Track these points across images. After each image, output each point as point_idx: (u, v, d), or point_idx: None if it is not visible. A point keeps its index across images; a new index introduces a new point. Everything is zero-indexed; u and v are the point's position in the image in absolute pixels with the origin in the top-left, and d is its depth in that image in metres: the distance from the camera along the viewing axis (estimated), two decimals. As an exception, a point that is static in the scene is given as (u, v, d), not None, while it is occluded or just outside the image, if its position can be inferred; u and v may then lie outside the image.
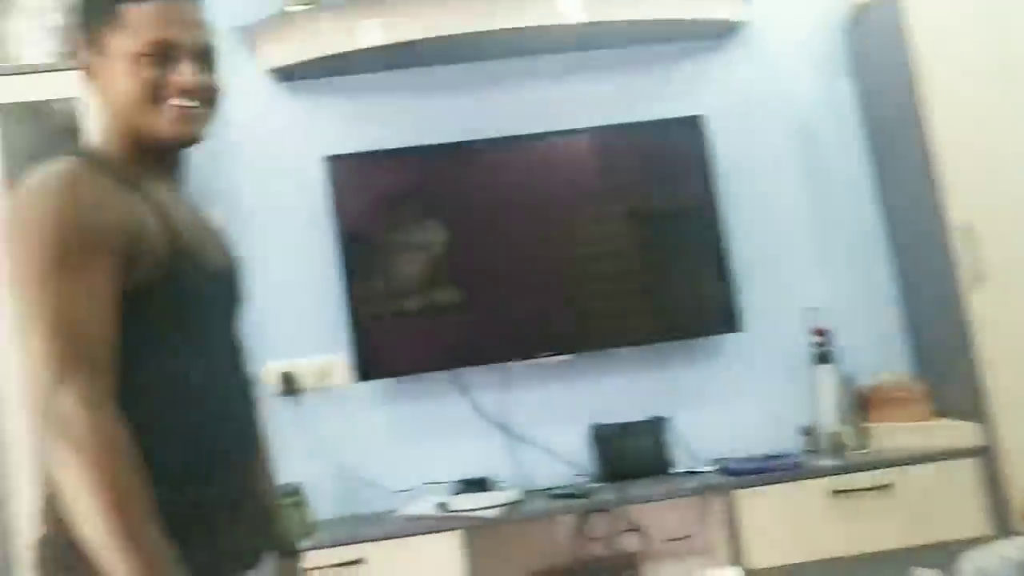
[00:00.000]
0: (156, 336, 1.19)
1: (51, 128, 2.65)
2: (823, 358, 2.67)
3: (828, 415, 2.63)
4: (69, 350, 1.07)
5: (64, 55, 2.61)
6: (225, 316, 1.36)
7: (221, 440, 1.27)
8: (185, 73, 1.25)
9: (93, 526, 1.04)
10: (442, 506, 2.45)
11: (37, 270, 1.10)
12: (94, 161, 1.22)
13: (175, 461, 1.17)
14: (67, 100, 2.45)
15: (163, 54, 1.24)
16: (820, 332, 2.69)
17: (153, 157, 1.30)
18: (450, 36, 2.66)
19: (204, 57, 1.30)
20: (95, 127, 1.30)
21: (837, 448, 2.58)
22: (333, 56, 2.69)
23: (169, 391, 1.20)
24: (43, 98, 2.53)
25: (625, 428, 2.72)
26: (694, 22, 2.80)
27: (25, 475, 2.35)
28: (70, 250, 1.10)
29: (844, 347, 2.71)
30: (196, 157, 2.64)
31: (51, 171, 1.16)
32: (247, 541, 1.30)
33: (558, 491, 2.58)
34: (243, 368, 1.37)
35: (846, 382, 2.68)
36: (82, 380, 1.06)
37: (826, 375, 2.66)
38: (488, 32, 2.68)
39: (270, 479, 1.47)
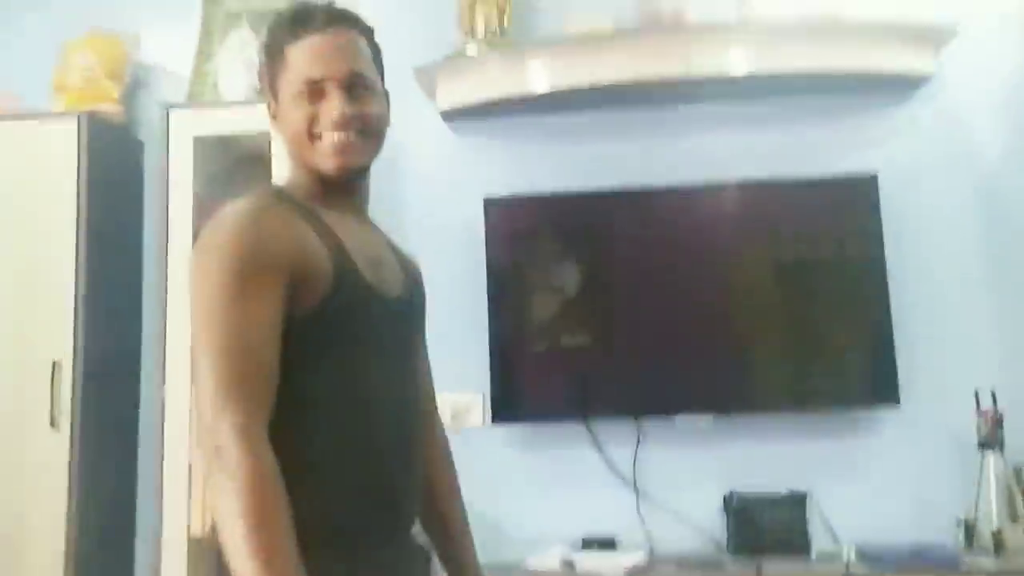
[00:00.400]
0: (321, 361, 1.23)
1: (240, 158, 2.85)
2: (990, 444, 2.46)
3: (991, 508, 2.42)
4: (233, 380, 1.12)
5: (257, 90, 2.80)
6: (398, 344, 1.38)
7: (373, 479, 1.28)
8: (333, 106, 1.30)
9: (235, 550, 1.07)
10: (568, 564, 2.42)
11: (211, 299, 1.16)
12: (277, 194, 1.31)
13: (334, 498, 1.22)
14: (260, 133, 2.56)
15: (316, 91, 1.30)
16: (989, 415, 2.47)
17: (332, 189, 1.35)
18: (615, 83, 2.64)
19: (356, 87, 1.33)
20: (283, 159, 1.41)
21: (999, 546, 2.36)
22: (500, 99, 2.72)
23: (328, 418, 1.24)
24: (238, 131, 2.72)
25: (763, 499, 2.59)
26: (879, 75, 2.66)
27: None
28: (240, 280, 1.15)
29: (1016, 434, 2.48)
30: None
31: (235, 205, 1.24)
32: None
33: (687, 559, 2.50)
34: (413, 398, 1.39)
35: (1015, 473, 2.45)
36: (240, 411, 1.10)
37: (992, 463, 2.45)
38: (654, 80, 2.64)
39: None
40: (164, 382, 2.52)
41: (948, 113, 2.80)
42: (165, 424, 2.53)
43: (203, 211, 2.73)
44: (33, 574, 2.51)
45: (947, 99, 2.80)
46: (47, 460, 2.56)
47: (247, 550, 1.06)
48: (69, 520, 2.52)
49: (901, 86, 2.76)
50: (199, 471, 2.53)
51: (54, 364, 2.59)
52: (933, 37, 2.66)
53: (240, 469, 1.08)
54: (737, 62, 2.63)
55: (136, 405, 2.92)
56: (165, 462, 2.52)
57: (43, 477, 2.55)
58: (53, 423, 2.56)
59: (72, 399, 2.58)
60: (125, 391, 2.89)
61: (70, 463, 2.55)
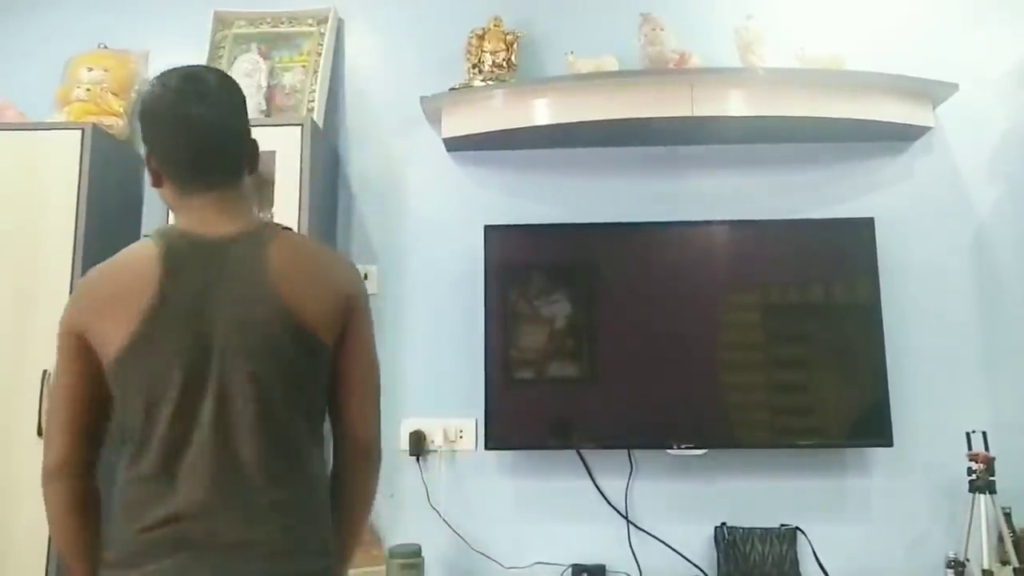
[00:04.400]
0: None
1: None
2: (981, 487, 2.46)
3: (981, 551, 2.41)
4: None
5: (264, 112, 2.83)
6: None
7: None
8: None
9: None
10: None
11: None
12: None
13: None
14: (263, 152, 2.60)
15: None
16: (980, 458, 2.48)
17: None
18: (616, 120, 2.69)
19: None
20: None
21: (989, 588, 2.36)
22: (503, 131, 2.76)
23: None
24: None
25: (753, 533, 2.59)
26: (878, 124, 2.72)
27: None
28: None
29: (1008, 478, 2.49)
30: (368, 213, 2.81)
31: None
32: None
33: (676, 591, 2.48)
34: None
35: (1006, 517, 2.46)
36: None
37: (983, 506, 2.45)
38: (655, 120, 2.68)
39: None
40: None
41: (944, 164, 2.87)
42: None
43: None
44: (15, 583, 2.45)
45: (944, 151, 2.87)
46: (33, 470, 2.49)
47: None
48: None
49: (900, 136, 2.83)
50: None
51: (44, 373, 2.56)
52: (933, 91, 2.73)
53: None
54: (738, 105, 2.68)
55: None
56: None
57: (28, 487, 2.49)
58: (40, 433, 2.53)
59: (61, 409, 2.54)
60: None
61: (56, 473, 2.50)
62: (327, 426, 1.46)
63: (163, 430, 1.28)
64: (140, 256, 1.34)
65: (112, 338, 1.29)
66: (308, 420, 1.36)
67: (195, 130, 1.38)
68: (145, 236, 1.39)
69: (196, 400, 1.28)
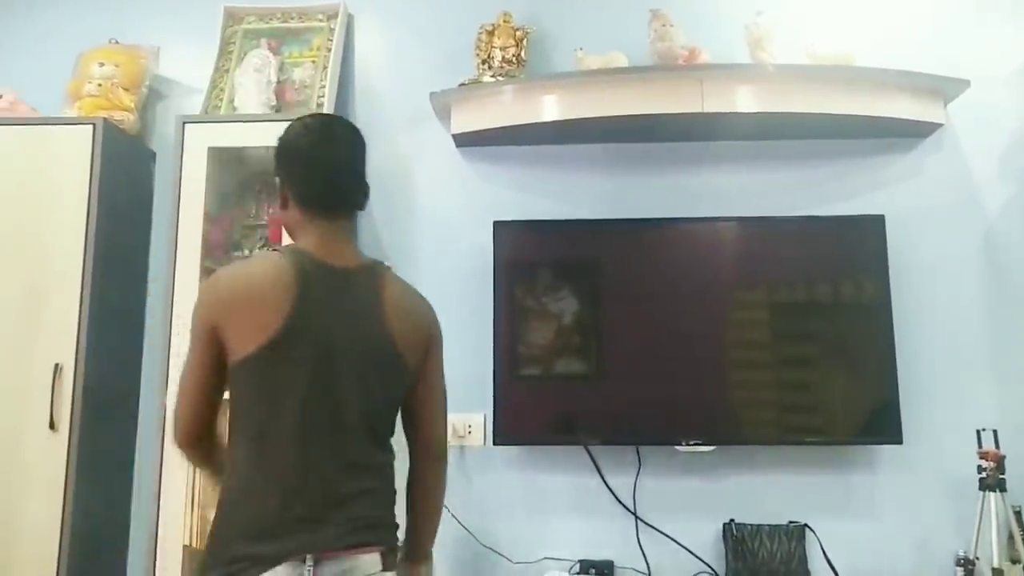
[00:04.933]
0: None
1: (253, 173, 2.89)
2: (991, 485, 2.45)
3: (991, 548, 2.41)
4: None
5: (274, 107, 2.83)
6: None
7: None
8: None
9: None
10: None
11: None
12: None
13: None
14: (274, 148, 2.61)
15: None
16: (990, 456, 2.47)
17: None
18: (627, 117, 2.69)
19: None
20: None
21: (998, 586, 2.35)
22: (513, 127, 2.76)
23: None
24: (252, 145, 2.75)
25: (761, 530, 2.59)
26: (889, 121, 2.71)
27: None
28: None
29: (1018, 476, 2.49)
30: (377, 208, 2.82)
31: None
32: None
33: (684, 587, 2.48)
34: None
35: (1016, 515, 2.45)
36: None
37: (993, 504, 2.44)
38: (665, 116, 2.68)
39: None
40: (166, 388, 2.50)
41: (955, 161, 2.85)
42: (165, 431, 2.51)
43: (212, 223, 2.75)
44: (26, 573, 2.47)
45: (955, 148, 2.86)
46: (45, 462, 2.53)
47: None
48: (64, 522, 2.50)
49: (910, 133, 2.82)
50: (197, 478, 2.52)
51: (56, 367, 2.57)
52: (945, 88, 2.72)
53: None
54: (748, 102, 2.67)
55: (136, 411, 2.91)
56: (164, 468, 2.49)
57: (40, 478, 2.52)
58: (53, 425, 2.54)
59: (72, 402, 2.56)
60: (126, 397, 2.87)
61: (68, 466, 2.53)
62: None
63: (288, 427, 1.50)
64: (277, 268, 1.55)
65: (247, 339, 1.51)
66: (387, 423, 1.65)
67: (328, 169, 1.67)
68: (274, 249, 1.67)
69: (316, 404, 1.52)
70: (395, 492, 1.65)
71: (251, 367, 1.51)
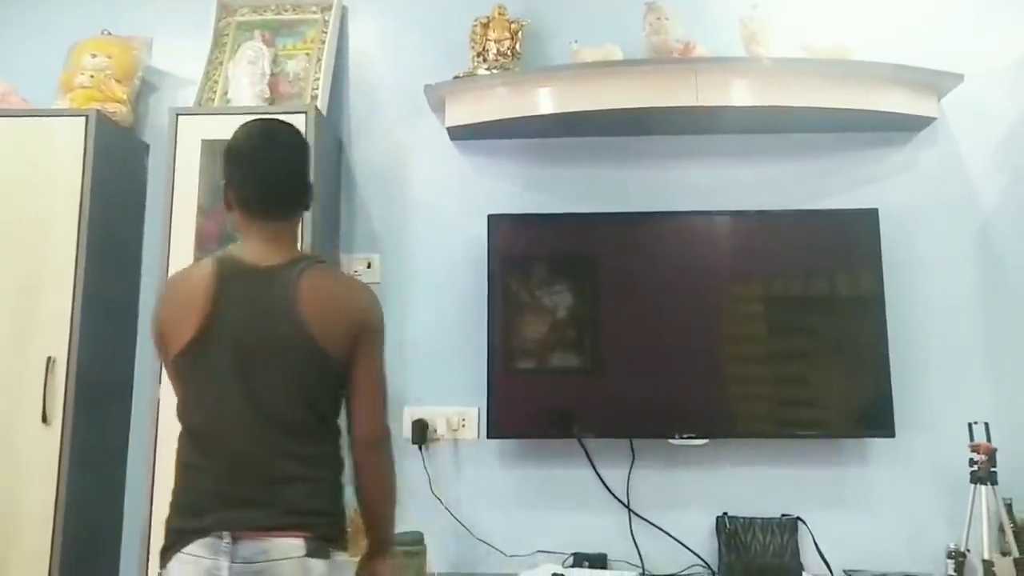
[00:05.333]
0: None
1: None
2: (982, 478, 2.46)
3: (981, 541, 2.42)
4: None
5: (268, 100, 2.83)
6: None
7: None
8: None
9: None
10: (557, 579, 2.41)
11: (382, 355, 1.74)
12: None
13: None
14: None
15: None
16: (982, 449, 2.48)
17: None
18: (622, 110, 2.68)
19: None
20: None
21: (989, 578, 2.37)
22: (507, 120, 2.76)
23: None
24: None
25: (754, 523, 2.60)
26: (883, 115, 2.71)
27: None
28: None
29: (1009, 469, 2.49)
30: (372, 201, 2.81)
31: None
32: None
33: (677, 579, 2.50)
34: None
35: (1007, 508, 2.46)
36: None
37: (984, 497, 2.45)
38: (660, 109, 2.68)
39: None
40: (159, 381, 2.49)
41: (949, 155, 2.86)
42: (159, 424, 2.50)
43: (206, 215, 2.74)
44: (20, 566, 2.47)
45: (949, 142, 2.86)
46: (38, 455, 2.53)
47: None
48: (57, 515, 2.49)
49: (904, 127, 2.82)
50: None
51: (49, 360, 2.57)
52: (939, 82, 2.73)
53: (391, 457, 1.76)
54: (743, 95, 2.68)
55: (129, 404, 2.90)
56: (156, 461, 2.49)
57: (33, 472, 2.52)
58: (45, 418, 2.54)
59: (65, 395, 2.56)
60: (119, 390, 2.87)
61: (60, 459, 2.53)
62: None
63: (212, 419, 1.63)
64: (202, 273, 1.68)
65: (176, 340, 1.65)
66: (314, 414, 1.66)
67: (267, 170, 1.73)
68: (211, 256, 1.74)
69: (238, 391, 1.61)
70: (334, 485, 1.68)
71: (179, 365, 1.67)
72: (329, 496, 1.66)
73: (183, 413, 1.69)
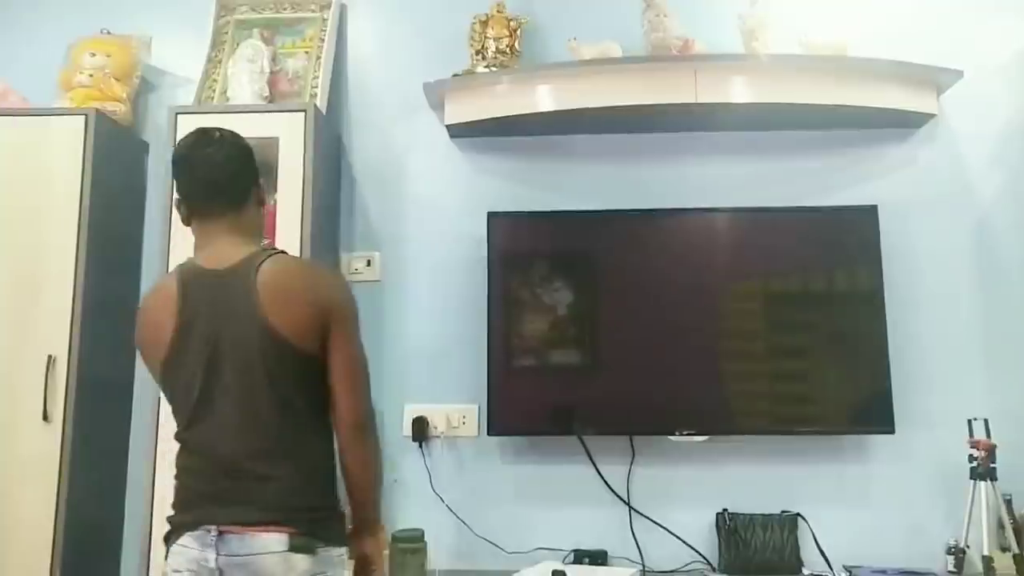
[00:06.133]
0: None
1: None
2: (982, 474, 2.47)
3: (981, 536, 2.42)
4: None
5: (267, 98, 2.83)
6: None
7: None
8: None
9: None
10: (559, 575, 2.41)
11: (358, 333, 1.75)
12: None
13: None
14: (266, 139, 2.59)
15: None
16: (981, 445, 2.49)
17: None
18: (619, 107, 2.68)
19: None
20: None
21: (988, 574, 2.37)
22: (507, 117, 2.76)
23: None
24: (245, 136, 2.68)
25: (754, 519, 2.60)
26: (882, 111, 2.71)
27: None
28: None
29: (1008, 465, 2.49)
30: (372, 199, 2.80)
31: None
32: None
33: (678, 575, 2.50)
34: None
35: (1006, 504, 2.47)
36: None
37: (983, 493, 2.46)
38: (659, 106, 2.67)
39: None
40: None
41: (948, 152, 2.86)
42: (159, 421, 2.51)
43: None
44: (20, 565, 2.47)
45: (948, 138, 2.86)
46: (38, 453, 2.53)
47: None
48: (58, 513, 2.50)
49: (903, 123, 2.82)
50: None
51: (49, 358, 2.57)
52: (938, 79, 2.73)
53: (376, 436, 1.80)
54: (742, 92, 2.68)
55: (130, 402, 2.91)
56: (157, 459, 2.49)
57: (34, 470, 2.53)
58: (46, 417, 2.54)
59: (66, 394, 2.56)
60: (119, 387, 2.87)
61: (61, 457, 2.53)
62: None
63: (196, 423, 1.68)
64: (167, 286, 1.74)
65: (156, 355, 1.71)
66: (291, 410, 1.68)
67: (203, 167, 1.77)
68: (176, 267, 1.78)
69: (212, 397, 1.67)
70: (323, 477, 1.71)
71: (163, 376, 1.73)
72: (316, 490, 1.68)
73: (176, 422, 1.75)
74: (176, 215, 2.62)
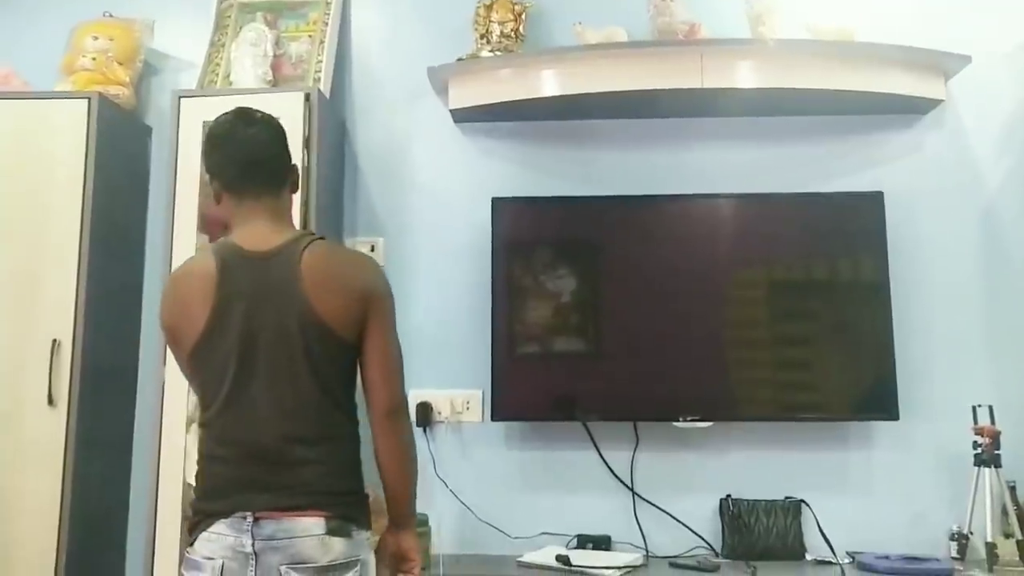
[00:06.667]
0: None
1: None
2: (985, 461, 2.47)
3: (984, 524, 2.43)
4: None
5: (270, 82, 2.81)
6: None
7: None
8: None
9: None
10: (562, 559, 2.41)
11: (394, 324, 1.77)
12: None
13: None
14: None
15: None
16: (986, 432, 2.49)
17: None
18: (625, 92, 2.66)
19: None
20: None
21: (991, 560, 2.37)
22: (511, 102, 2.74)
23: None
24: None
25: (758, 505, 2.61)
26: (889, 97, 2.69)
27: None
28: None
29: (1012, 452, 2.49)
30: (375, 184, 2.78)
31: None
32: None
33: (681, 561, 2.51)
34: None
35: (1010, 491, 2.47)
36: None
37: (987, 479, 2.46)
38: (664, 91, 2.66)
39: None
40: (164, 364, 2.50)
41: (955, 138, 2.85)
42: (164, 405, 2.51)
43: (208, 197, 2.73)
44: (26, 550, 2.48)
45: (955, 124, 2.85)
46: (44, 438, 2.54)
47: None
48: (63, 497, 2.50)
49: (910, 109, 2.80)
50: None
51: (54, 343, 2.57)
52: (945, 64, 2.71)
53: (409, 423, 1.81)
54: (748, 77, 2.66)
55: (135, 386, 2.91)
56: (162, 444, 2.50)
57: (39, 454, 2.53)
58: (51, 401, 2.54)
59: (71, 378, 2.57)
60: (124, 372, 2.87)
61: (67, 441, 2.53)
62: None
63: (228, 408, 1.65)
64: (204, 267, 1.69)
65: (189, 335, 1.67)
66: (328, 395, 1.68)
67: (244, 146, 1.75)
68: (210, 247, 1.77)
69: (247, 381, 1.64)
70: (354, 461, 1.71)
71: (193, 358, 1.70)
72: (348, 475, 1.69)
73: (202, 408, 1.72)
74: (180, 198, 2.66)
